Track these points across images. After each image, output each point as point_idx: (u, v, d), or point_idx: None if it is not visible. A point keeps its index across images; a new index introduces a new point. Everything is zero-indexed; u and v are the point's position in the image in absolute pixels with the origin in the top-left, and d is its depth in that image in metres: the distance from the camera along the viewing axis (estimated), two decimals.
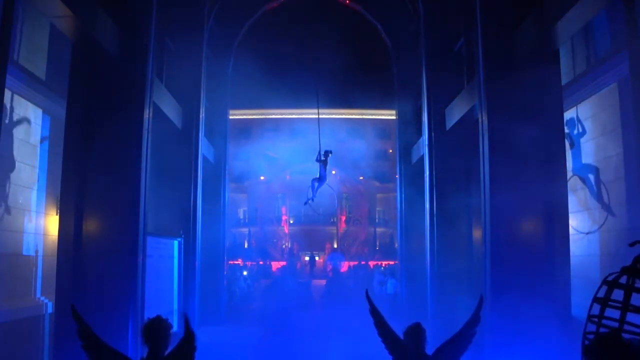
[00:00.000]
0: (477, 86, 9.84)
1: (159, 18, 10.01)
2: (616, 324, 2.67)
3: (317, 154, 15.21)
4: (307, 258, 33.11)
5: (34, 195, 10.27)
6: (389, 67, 18.49)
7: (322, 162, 15.16)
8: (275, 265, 29.71)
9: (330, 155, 15.39)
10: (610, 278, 2.98)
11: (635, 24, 6.77)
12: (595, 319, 2.70)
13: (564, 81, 9.84)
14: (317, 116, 15.69)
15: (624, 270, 2.81)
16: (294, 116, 32.11)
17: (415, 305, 14.51)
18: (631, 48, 7.01)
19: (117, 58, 8.94)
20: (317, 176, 15.21)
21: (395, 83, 18.36)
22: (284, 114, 33.98)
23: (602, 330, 2.65)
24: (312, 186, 15.17)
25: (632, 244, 3.05)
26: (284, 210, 35.08)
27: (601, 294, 2.95)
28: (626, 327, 2.64)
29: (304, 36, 17.26)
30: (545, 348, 8.00)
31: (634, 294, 2.73)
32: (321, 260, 32.91)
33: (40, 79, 10.28)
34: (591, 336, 2.61)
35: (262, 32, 17.19)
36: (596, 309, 2.90)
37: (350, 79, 22.28)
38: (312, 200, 15.33)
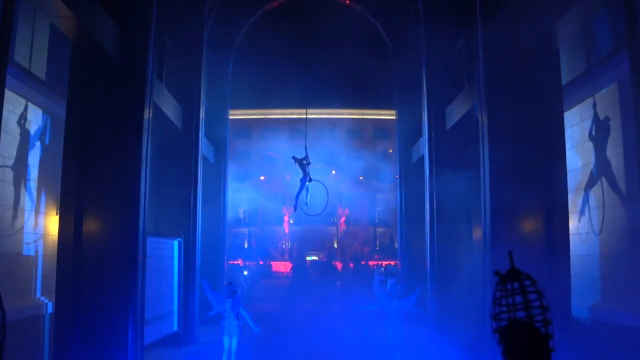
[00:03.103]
0: (477, 86, 9.83)
1: (159, 18, 10.01)
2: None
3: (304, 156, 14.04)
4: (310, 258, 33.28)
5: (34, 195, 10.27)
6: (389, 67, 18.48)
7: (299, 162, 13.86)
8: (281, 265, 30.12)
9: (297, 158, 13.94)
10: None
11: (635, 24, 6.77)
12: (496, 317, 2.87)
13: (564, 81, 9.84)
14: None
15: (508, 274, 2.95)
16: (294, 116, 32.06)
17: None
18: (631, 48, 7.00)
19: (117, 58, 8.95)
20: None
21: (395, 83, 18.35)
22: (284, 114, 33.94)
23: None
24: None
25: (509, 252, 3.08)
26: (284, 210, 35.03)
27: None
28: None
29: (304, 36, 17.24)
30: None
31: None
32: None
33: (40, 79, 10.27)
34: (497, 335, 2.85)
35: (262, 32, 17.17)
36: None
37: (350, 79, 22.25)
38: (296, 207, 14.60)
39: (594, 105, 9.88)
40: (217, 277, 15.36)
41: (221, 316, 9.62)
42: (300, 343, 11.58)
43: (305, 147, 13.81)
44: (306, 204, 13.95)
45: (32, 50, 9.96)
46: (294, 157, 13.78)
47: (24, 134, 9.95)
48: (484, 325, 9.00)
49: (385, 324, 10.13)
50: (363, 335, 12.13)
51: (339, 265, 29.76)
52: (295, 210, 14.63)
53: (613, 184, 9.29)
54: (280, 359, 11.04)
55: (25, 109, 9.94)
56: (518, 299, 2.83)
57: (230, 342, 9.46)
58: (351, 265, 29.71)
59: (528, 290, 2.84)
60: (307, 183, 13.71)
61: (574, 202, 10.28)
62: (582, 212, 10.31)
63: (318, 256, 34.00)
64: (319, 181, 14.20)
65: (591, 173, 10.01)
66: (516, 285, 2.88)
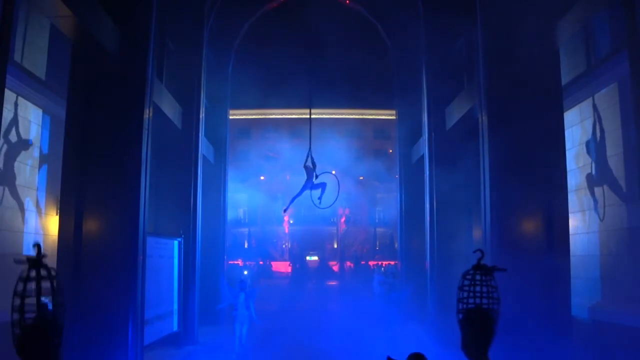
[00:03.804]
0: (477, 86, 9.83)
1: (159, 18, 10.00)
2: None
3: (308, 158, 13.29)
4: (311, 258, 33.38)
5: (34, 195, 10.27)
6: (389, 68, 18.47)
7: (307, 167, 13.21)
8: (281, 265, 30.40)
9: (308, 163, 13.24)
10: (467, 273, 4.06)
11: (635, 24, 6.77)
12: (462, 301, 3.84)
13: (564, 81, 9.84)
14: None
15: (474, 267, 3.95)
16: (294, 116, 32.06)
17: (416, 304, 14.52)
18: (631, 48, 7.01)
19: (117, 58, 8.94)
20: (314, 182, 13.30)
21: (395, 83, 18.35)
22: (284, 114, 33.91)
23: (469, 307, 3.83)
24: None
25: (475, 251, 4.07)
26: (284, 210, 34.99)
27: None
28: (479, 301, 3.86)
29: (304, 36, 17.24)
30: (545, 348, 8.00)
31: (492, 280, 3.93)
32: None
33: (40, 79, 10.27)
34: (461, 315, 3.81)
35: (262, 32, 17.16)
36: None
37: (350, 78, 22.24)
38: (286, 210, 14.56)
39: (594, 105, 9.89)
40: (217, 277, 15.38)
41: (233, 307, 11.41)
42: (299, 338, 12.08)
43: (310, 149, 13.65)
44: (319, 199, 13.70)
45: (31, 50, 9.97)
46: (304, 166, 13.49)
47: (24, 134, 9.95)
48: None
49: (384, 319, 11.17)
50: (360, 333, 12.19)
51: (335, 265, 29.82)
52: (284, 212, 14.84)
53: (613, 184, 9.29)
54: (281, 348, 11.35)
55: (25, 108, 9.95)
56: (477, 288, 3.87)
57: (241, 329, 11.16)
58: (351, 265, 29.70)
59: (476, 282, 3.86)
60: (314, 182, 13.46)
61: (574, 202, 10.29)
62: (582, 212, 10.32)
63: (318, 256, 34.01)
64: (330, 172, 14.10)
65: (591, 173, 10.02)
66: (477, 277, 3.88)
